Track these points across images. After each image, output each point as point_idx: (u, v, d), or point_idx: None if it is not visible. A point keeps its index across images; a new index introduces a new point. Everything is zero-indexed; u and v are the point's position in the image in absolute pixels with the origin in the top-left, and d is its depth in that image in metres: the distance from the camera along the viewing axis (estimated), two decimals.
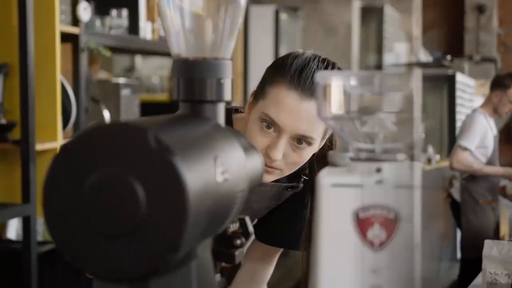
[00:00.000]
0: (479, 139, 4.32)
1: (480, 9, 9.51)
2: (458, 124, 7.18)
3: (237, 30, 0.88)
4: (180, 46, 0.86)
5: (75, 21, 2.79)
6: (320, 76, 0.74)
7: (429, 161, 5.89)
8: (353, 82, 0.74)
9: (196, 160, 0.68)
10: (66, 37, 2.76)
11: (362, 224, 0.70)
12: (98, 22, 3.09)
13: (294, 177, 1.38)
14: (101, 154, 0.65)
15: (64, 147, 0.66)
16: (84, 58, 2.81)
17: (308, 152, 1.27)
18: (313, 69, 1.22)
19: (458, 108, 7.10)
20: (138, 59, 5.89)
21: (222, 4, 0.86)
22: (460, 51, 7.93)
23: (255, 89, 1.32)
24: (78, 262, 0.65)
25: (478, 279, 2.03)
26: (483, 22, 9.57)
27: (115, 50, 3.33)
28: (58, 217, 0.66)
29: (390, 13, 6.60)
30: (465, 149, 4.30)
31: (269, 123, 1.24)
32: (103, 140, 0.65)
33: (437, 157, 6.28)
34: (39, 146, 2.54)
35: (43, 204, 0.67)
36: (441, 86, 6.99)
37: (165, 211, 0.63)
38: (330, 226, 0.71)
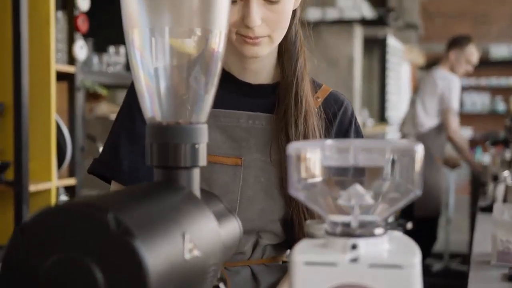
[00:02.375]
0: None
1: None
2: (388, 88, 7.31)
3: (213, 93, 0.85)
4: (154, 110, 0.84)
5: (72, 60, 2.79)
6: (292, 147, 0.71)
7: (363, 125, 5.97)
8: (327, 152, 0.71)
9: (160, 240, 0.65)
10: (62, 76, 2.75)
11: None
12: (95, 59, 3.09)
13: None
14: (59, 236, 0.62)
15: (22, 227, 0.64)
16: (80, 97, 2.80)
17: (286, 6, 1.18)
18: None
19: (387, 72, 7.24)
20: None
21: (197, 66, 0.84)
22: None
23: None
24: None
25: (487, 247, 1.84)
26: None
27: (113, 87, 3.32)
28: None
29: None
30: (457, 112, 4.35)
31: None
32: (62, 221, 0.62)
33: (371, 121, 6.34)
34: (33, 187, 2.51)
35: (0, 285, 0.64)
36: (372, 48, 7.06)
37: None
38: None
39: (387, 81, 7.40)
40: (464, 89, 10.34)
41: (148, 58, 0.82)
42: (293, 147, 0.71)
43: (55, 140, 2.63)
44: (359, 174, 0.72)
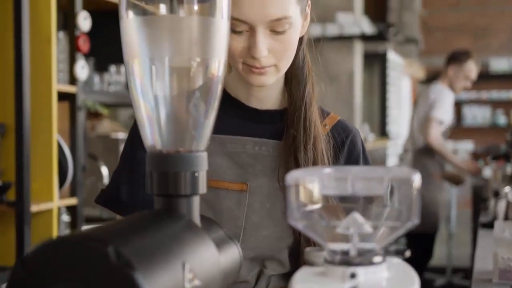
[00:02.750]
0: (448, 113, 4.41)
1: None
2: (388, 103, 7.34)
3: (212, 121, 0.86)
4: (154, 138, 0.84)
5: (73, 80, 2.80)
6: (291, 177, 0.72)
7: (364, 140, 5.95)
8: (325, 181, 0.72)
9: (160, 271, 0.66)
10: (64, 96, 2.77)
11: None
12: (96, 78, 3.10)
13: None
14: (60, 268, 0.63)
15: (23, 259, 0.64)
16: (81, 116, 2.81)
17: (293, 35, 1.16)
18: None
19: (387, 87, 7.27)
20: None
21: (196, 94, 0.85)
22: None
23: None
24: None
25: (489, 264, 1.83)
26: (406, 2, 9.70)
27: (114, 105, 3.34)
28: None
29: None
30: (440, 122, 4.33)
31: (237, 25, 1.13)
32: (62, 254, 0.63)
33: (372, 136, 6.35)
34: (34, 208, 2.52)
35: None
36: (373, 63, 7.09)
37: None
38: None
39: (387, 95, 7.42)
40: (465, 102, 10.37)
41: (148, 87, 0.83)
42: (291, 177, 0.72)
43: (56, 160, 2.63)
44: (358, 202, 0.73)
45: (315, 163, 1.20)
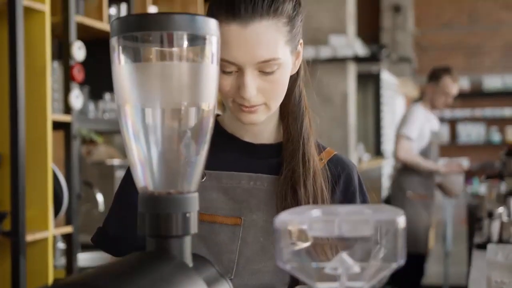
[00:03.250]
0: (418, 130, 4.41)
1: (396, 9, 9.74)
2: (383, 122, 7.38)
3: (203, 162, 0.88)
4: (145, 180, 0.86)
5: (68, 109, 2.82)
6: (279, 220, 0.74)
7: (359, 160, 5.98)
8: (313, 224, 0.74)
9: None
10: (58, 125, 2.78)
11: None
12: (91, 106, 3.12)
13: None
14: None
15: None
16: (76, 145, 2.83)
17: (283, 75, 1.17)
18: None
19: (381, 107, 7.31)
20: None
21: (187, 138, 0.87)
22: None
23: None
24: None
25: (483, 286, 1.85)
26: (399, 22, 9.77)
27: (109, 132, 3.36)
28: None
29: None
30: (408, 138, 4.36)
31: (226, 66, 1.14)
32: None
33: (367, 156, 6.37)
34: (30, 237, 2.52)
35: None
36: (366, 83, 7.13)
37: None
38: None
39: (381, 115, 7.47)
40: (459, 120, 10.43)
41: (140, 131, 0.85)
42: (280, 220, 0.74)
43: (51, 189, 2.65)
44: (345, 243, 0.75)
45: (315, 198, 1.21)
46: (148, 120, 0.85)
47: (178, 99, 0.84)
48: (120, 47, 0.83)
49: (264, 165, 1.27)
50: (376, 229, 0.72)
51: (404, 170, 4.45)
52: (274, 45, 1.14)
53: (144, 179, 0.86)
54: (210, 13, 1.17)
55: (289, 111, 1.27)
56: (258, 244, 1.22)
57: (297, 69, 1.26)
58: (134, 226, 1.04)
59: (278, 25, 1.15)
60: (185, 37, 0.82)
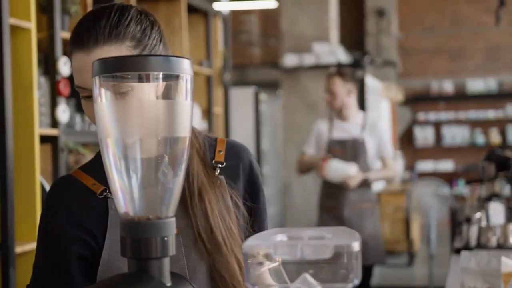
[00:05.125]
0: (315, 142, 4.28)
1: (380, 13, 9.86)
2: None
3: (180, 188, 0.95)
4: (126, 206, 0.94)
5: (55, 123, 2.89)
6: (246, 245, 0.81)
7: None
8: (277, 248, 0.81)
9: None
10: (46, 139, 2.85)
11: None
12: (78, 119, 3.19)
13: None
14: None
15: None
16: (63, 158, 2.89)
17: (138, 97, 1.18)
18: (94, 16, 1.21)
19: (366, 111, 7.39)
20: None
21: (164, 167, 0.94)
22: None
23: None
24: None
25: None
26: (383, 26, 9.90)
27: (96, 144, 3.42)
28: None
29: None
30: (302, 153, 4.31)
31: (82, 92, 1.21)
32: None
33: None
34: (19, 249, 2.59)
35: None
36: None
37: None
38: None
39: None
40: (444, 122, 10.55)
41: (120, 161, 0.92)
42: (247, 245, 0.81)
43: (40, 201, 2.71)
44: (308, 265, 0.82)
45: (206, 212, 1.26)
46: (128, 151, 0.92)
47: (155, 132, 0.92)
48: (101, 86, 0.90)
49: None
50: (335, 252, 0.80)
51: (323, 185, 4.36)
52: None
53: (125, 206, 0.94)
54: (69, 47, 1.25)
55: None
56: (198, 246, 1.28)
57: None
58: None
59: (121, 48, 1.21)
60: (160, 76, 0.90)
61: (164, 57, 0.92)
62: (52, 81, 2.89)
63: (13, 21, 2.60)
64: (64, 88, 2.88)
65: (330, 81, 4.15)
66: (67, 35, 2.99)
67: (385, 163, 4.27)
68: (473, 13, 10.34)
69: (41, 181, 2.76)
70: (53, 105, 2.88)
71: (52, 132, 2.86)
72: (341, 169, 4.04)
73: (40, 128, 2.76)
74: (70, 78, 2.94)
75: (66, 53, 2.95)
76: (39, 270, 1.28)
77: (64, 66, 2.88)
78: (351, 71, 4.33)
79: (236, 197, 1.33)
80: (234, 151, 1.38)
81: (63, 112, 2.88)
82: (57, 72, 2.88)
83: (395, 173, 4.47)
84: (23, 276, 2.61)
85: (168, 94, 0.91)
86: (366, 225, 4.17)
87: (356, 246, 0.79)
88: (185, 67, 0.92)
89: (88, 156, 3.59)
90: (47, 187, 2.80)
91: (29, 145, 2.68)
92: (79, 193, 1.28)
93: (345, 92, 4.11)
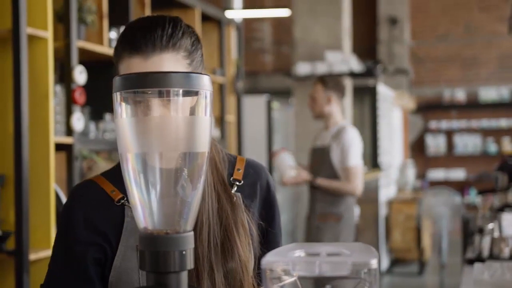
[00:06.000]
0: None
1: (392, 21, 9.83)
2: (379, 134, 7.45)
3: (198, 203, 0.97)
4: (145, 221, 0.95)
5: (69, 131, 2.91)
6: (265, 261, 0.82)
7: None
8: (296, 265, 0.82)
9: None
10: (61, 147, 2.87)
11: None
12: (92, 126, 3.21)
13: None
14: None
15: None
16: (77, 166, 2.92)
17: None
18: (149, 23, 1.23)
19: (378, 119, 7.39)
20: None
21: (183, 181, 0.96)
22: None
23: None
24: None
25: None
26: (395, 34, 9.87)
27: (109, 151, 3.44)
28: None
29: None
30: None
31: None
32: None
33: (364, 169, 6.42)
34: (33, 256, 2.61)
35: None
36: (363, 96, 7.20)
37: None
38: None
39: (378, 127, 7.55)
40: (456, 131, 10.51)
41: (141, 177, 0.94)
42: (266, 261, 0.82)
43: (54, 209, 2.73)
44: (326, 281, 0.83)
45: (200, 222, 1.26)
46: (148, 167, 0.93)
47: (175, 148, 0.93)
48: (122, 102, 0.91)
49: None
50: (353, 269, 0.81)
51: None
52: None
53: (144, 220, 0.95)
54: (116, 51, 1.27)
55: None
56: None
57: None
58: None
59: (177, 58, 1.24)
60: (180, 92, 0.91)
61: (184, 73, 0.93)
62: (67, 89, 2.92)
63: (30, 30, 2.63)
64: (79, 96, 2.91)
65: (313, 87, 4.18)
66: (83, 44, 3.02)
67: (346, 175, 3.98)
68: (486, 21, 10.31)
69: (55, 189, 2.78)
70: (68, 113, 2.91)
71: (67, 140, 2.89)
72: (283, 165, 4.08)
73: (55, 137, 2.79)
74: (85, 87, 2.97)
75: (82, 62, 2.98)
76: (54, 270, 1.29)
77: (79, 75, 2.91)
78: (337, 81, 4.24)
79: (249, 218, 1.33)
80: (253, 170, 1.39)
81: (78, 120, 2.90)
82: (72, 81, 2.90)
83: (354, 189, 3.96)
84: (37, 283, 2.63)
85: (188, 110, 0.93)
86: (323, 240, 4.00)
87: (374, 263, 0.80)
88: (205, 83, 0.93)
89: (101, 163, 3.61)
90: (61, 195, 2.82)
91: (44, 153, 2.70)
92: (98, 199, 1.29)
93: (325, 99, 4.09)
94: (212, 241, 1.27)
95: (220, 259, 1.27)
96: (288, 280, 0.83)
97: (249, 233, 1.31)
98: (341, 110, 4.20)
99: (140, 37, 1.22)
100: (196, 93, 0.93)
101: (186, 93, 0.92)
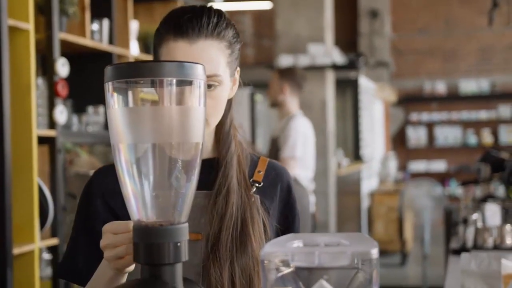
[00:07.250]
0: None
1: (373, 14, 9.90)
2: (361, 127, 7.51)
3: (192, 194, 0.95)
4: (139, 213, 0.93)
5: (52, 124, 2.87)
6: (264, 252, 0.81)
7: (339, 165, 6.00)
8: (295, 255, 0.81)
9: None
10: (43, 140, 2.84)
11: None
12: (75, 119, 3.18)
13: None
14: None
15: None
16: (60, 159, 2.88)
17: (221, 93, 1.25)
18: (195, 10, 1.25)
19: (360, 112, 7.45)
20: None
21: (177, 172, 0.94)
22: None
23: None
24: None
25: None
26: (376, 27, 9.94)
27: (92, 145, 3.41)
28: None
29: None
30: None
31: None
32: None
33: (346, 161, 6.46)
34: (16, 250, 2.57)
35: None
36: (345, 89, 7.25)
37: None
38: None
39: (360, 120, 7.58)
40: (437, 123, 10.58)
41: (133, 168, 0.92)
42: (265, 252, 0.81)
43: (37, 202, 2.70)
44: (325, 271, 0.82)
45: (223, 216, 1.26)
46: (140, 157, 0.92)
47: (168, 138, 0.91)
48: (114, 92, 0.90)
49: (202, 180, 1.33)
50: (353, 259, 0.80)
51: None
52: (217, 62, 1.24)
53: (137, 211, 0.93)
54: (158, 34, 1.27)
55: (221, 136, 1.34)
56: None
57: (233, 94, 1.34)
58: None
59: (220, 46, 1.25)
60: (174, 82, 0.90)
61: (178, 62, 0.91)
62: (49, 82, 2.88)
63: (11, 22, 2.59)
64: (62, 89, 2.87)
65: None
66: (65, 36, 2.98)
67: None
68: (466, 14, 10.37)
69: (38, 182, 2.74)
70: (51, 106, 2.87)
71: (50, 133, 2.85)
72: None
73: (37, 129, 2.75)
74: (68, 79, 2.93)
75: (64, 54, 2.94)
76: (75, 242, 1.31)
77: (62, 67, 2.87)
78: (294, 73, 4.25)
79: (265, 219, 1.32)
80: (274, 172, 1.39)
81: (61, 113, 2.87)
82: (55, 73, 2.87)
83: None
84: (20, 277, 2.60)
85: (181, 100, 0.91)
86: None
87: (374, 253, 0.79)
88: (199, 73, 0.91)
89: (84, 156, 3.58)
90: (45, 189, 2.79)
91: (27, 146, 2.67)
92: (116, 182, 1.28)
93: (278, 89, 4.11)
94: (233, 232, 1.27)
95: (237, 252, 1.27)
96: (286, 270, 0.82)
97: (263, 234, 1.31)
98: (296, 101, 4.20)
99: (187, 21, 1.23)
100: (190, 83, 0.91)
101: (179, 82, 0.90)
